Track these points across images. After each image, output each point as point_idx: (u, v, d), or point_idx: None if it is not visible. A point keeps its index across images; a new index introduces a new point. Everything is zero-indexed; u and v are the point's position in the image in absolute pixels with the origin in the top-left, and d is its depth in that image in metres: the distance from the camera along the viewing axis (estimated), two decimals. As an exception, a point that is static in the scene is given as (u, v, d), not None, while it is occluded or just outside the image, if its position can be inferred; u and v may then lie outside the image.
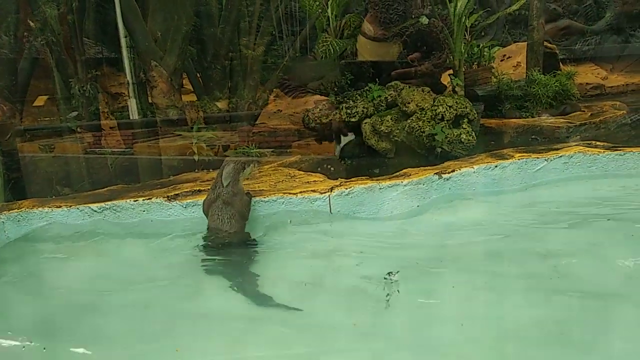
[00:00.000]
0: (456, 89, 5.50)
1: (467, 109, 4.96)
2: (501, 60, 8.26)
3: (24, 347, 2.52)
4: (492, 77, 6.61)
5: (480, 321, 2.58)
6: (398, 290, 2.77)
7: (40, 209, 3.83)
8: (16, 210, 3.84)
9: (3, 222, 3.79)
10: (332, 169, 4.78)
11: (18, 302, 3.07)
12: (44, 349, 2.52)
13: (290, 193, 3.87)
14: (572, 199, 3.80)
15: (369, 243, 3.53)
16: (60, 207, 3.82)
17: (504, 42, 9.10)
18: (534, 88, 6.22)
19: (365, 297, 2.84)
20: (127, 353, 2.52)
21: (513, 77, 6.95)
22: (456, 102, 4.95)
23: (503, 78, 6.55)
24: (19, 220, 3.82)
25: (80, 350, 2.52)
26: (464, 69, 5.88)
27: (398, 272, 2.90)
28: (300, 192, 3.87)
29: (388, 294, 2.73)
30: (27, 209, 3.83)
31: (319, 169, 4.71)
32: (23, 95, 5.18)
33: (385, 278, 2.86)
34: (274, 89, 6.78)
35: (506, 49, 8.74)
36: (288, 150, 5.60)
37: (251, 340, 2.55)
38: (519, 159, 4.16)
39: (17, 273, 3.39)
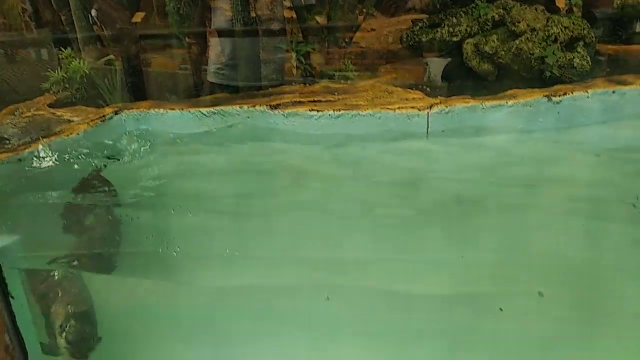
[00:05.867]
0: (574, 8, 5.00)
1: (585, 31, 4.53)
2: (627, -20, 7.29)
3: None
4: (616, -3, 5.91)
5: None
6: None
7: (156, 110, 4.16)
8: (135, 109, 4.20)
9: (124, 119, 4.18)
10: (428, 89, 4.67)
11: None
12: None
13: (388, 108, 3.88)
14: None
15: (464, 164, 3.53)
16: (174, 109, 4.13)
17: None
18: (665, 11, 5.50)
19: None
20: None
21: (640, -2, 6.16)
22: (573, 23, 4.53)
23: (628, -1, 5.84)
24: (137, 119, 4.19)
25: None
26: (584, -13, 5.30)
27: None
28: (399, 108, 3.87)
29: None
30: (145, 109, 4.19)
31: (413, 88, 4.62)
32: (137, 4, 5.47)
33: None
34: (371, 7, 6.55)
35: (634, -34, 7.66)
36: (381, 70, 5.50)
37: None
38: (640, 86, 3.82)
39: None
